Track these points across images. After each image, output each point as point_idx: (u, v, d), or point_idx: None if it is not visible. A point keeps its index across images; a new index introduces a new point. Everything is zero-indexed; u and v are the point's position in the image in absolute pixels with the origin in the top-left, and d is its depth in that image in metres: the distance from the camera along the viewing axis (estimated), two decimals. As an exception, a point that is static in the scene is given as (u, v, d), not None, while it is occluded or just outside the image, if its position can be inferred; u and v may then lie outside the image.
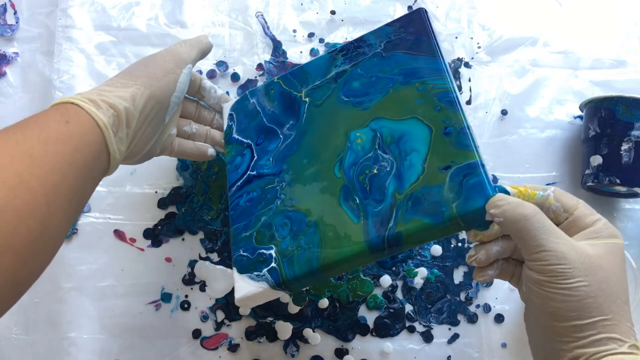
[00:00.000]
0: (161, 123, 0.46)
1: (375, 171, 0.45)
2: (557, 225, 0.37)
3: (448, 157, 0.43)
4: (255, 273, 0.45)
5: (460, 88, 0.62)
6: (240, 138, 0.53)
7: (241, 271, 0.46)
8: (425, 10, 0.51)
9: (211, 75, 0.61)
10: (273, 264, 0.45)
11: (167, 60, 0.46)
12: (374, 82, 0.51)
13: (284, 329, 0.54)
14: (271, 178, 0.49)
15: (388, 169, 0.45)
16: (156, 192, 0.58)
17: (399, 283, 0.56)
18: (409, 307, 0.55)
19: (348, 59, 0.53)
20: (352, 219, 0.44)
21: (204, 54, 0.51)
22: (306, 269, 0.44)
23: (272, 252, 0.45)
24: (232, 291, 0.55)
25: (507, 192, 0.39)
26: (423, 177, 0.43)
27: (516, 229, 0.35)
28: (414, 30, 0.51)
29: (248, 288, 0.45)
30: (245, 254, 0.46)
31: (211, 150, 0.53)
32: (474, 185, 0.40)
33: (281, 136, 0.51)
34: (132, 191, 0.58)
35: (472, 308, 0.56)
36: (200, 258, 0.57)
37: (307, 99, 0.53)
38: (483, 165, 0.41)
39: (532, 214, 0.35)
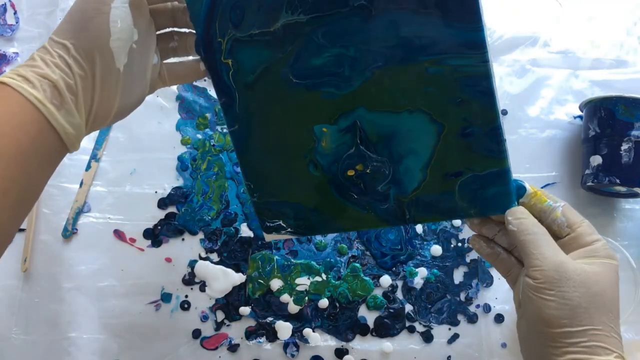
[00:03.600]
0: (117, 73, 0.37)
1: (368, 171, 0.40)
2: (559, 239, 0.39)
3: (461, 164, 0.38)
4: (276, 233, 0.46)
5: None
6: None
7: (264, 230, 0.47)
8: None
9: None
10: (290, 229, 0.45)
11: (87, 2, 0.36)
12: (352, 60, 0.36)
13: (284, 329, 0.54)
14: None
15: (386, 172, 0.40)
16: (156, 192, 0.58)
17: (399, 283, 0.56)
18: (409, 307, 0.55)
19: (308, 1, 0.36)
20: (360, 211, 0.42)
21: None
22: (329, 230, 0.46)
23: (280, 223, 0.45)
24: (232, 291, 0.55)
25: (524, 187, 0.40)
26: (425, 183, 0.40)
27: (524, 240, 0.38)
28: None
29: (275, 236, 0.47)
30: (254, 222, 0.48)
31: (203, 65, 0.43)
32: (497, 195, 0.39)
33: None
34: (132, 191, 0.58)
35: (472, 308, 0.55)
36: (200, 258, 0.56)
37: (229, 61, 0.39)
38: (509, 172, 0.39)
39: (542, 232, 0.38)
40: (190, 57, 0.44)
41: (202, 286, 0.56)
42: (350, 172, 0.41)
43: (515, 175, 0.61)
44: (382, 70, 0.36)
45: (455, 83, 0.35)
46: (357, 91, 0.37)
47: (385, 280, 0.55)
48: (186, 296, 0.56)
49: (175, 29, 0.44)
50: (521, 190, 0.40)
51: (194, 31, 0.42)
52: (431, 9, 0.34)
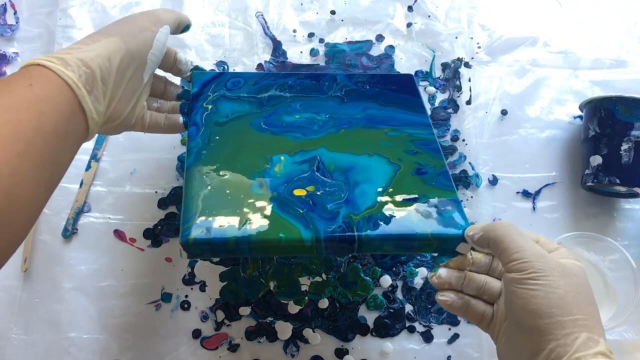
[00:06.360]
0: (140, 83, 0.44)
1: (319, 193, 0.42)
2: None
3: (416, 191, 0.42)
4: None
5: (460, 88, 0.62)
6: None
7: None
8: (413, 76, 0.54)
9: (211, 75, 0.61)
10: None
11: (143, 19, 0.44)
12: (322, 121, 0.47)
13: (284, 329, 0.54)
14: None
15: (341, 195, 0.41)
16: (156, 192, 0.58)
17: (399, 283, 0.56)
18: (409, 307, 0.55)
19: (296, 85, 0.49)
20: (301, 233, 0.39)
21: (182, 23, 0.48)
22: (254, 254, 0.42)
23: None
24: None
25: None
26: (380, 204, 0.41)
27: (496, 236, 0.38)
28: (397, 87, 0.52)
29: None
30: None
31: (181, 120, 0.51)
32: (452, 218, 0.41)
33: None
34: (132, 191, 0.58)
35: (472, 308, 0.55)
36: (200, 258, 0.56)
37: (209, 106, 0.48)
38: (460, 202, 0.43)
39: (510, 224, 0.39)
40: (170, 115, 0.50)
41: (202, 286, 0.56)
42: (300, 192, 0.42)
43: (515, 175, 0.61)
44: (345, 130, 0.46)
45: (411, 142, 0.45)
46: (321, 138, 0.45)
47: (385, 280, 0.55)
48: (186, 296, 0.56)
49: (160, 100, 0.51)
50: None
51: (177, 102, 0.51)
52: (391, 104, 0.48)
